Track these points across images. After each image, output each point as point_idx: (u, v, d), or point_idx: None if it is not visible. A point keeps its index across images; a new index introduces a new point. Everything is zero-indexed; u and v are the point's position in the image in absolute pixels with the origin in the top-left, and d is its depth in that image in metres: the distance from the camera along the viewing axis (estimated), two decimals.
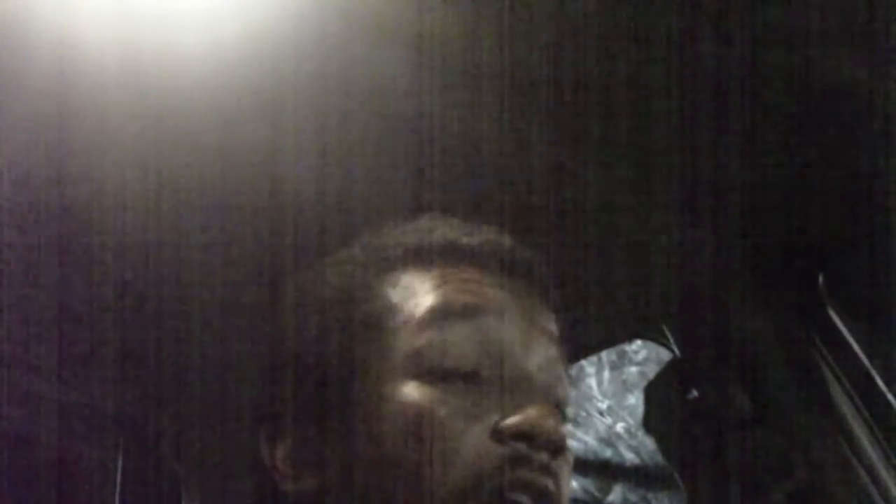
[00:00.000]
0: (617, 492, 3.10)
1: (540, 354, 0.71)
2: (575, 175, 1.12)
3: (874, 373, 1.13)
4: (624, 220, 1.19)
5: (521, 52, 0.97)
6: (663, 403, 1.27)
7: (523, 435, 0.66)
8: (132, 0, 0.97)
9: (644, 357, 3.08)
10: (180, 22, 0.97)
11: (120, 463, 1.48)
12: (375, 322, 0.71)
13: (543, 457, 0.66)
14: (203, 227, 1.19)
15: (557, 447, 0.67)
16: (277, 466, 0.71)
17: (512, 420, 0.66)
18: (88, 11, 0.96)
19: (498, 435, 0.66)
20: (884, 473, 1.10)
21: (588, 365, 3.17)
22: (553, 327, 0.74)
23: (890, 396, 1.12)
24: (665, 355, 1.38)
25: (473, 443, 0.66)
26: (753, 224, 1.16)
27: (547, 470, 0.66)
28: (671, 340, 1.32)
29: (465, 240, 0.73)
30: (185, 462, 1.47)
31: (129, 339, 1.32)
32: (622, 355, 3.14)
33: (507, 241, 0.75)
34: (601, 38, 0.95)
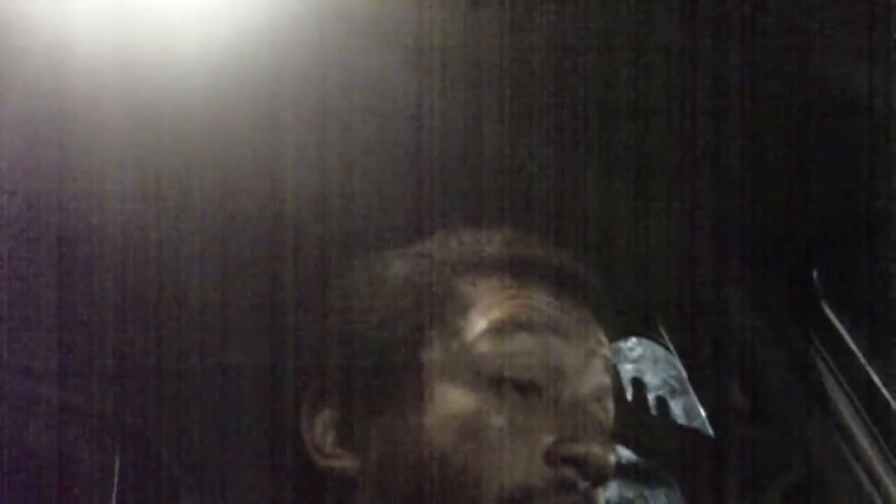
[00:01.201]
0: (613, 489, 3.10)
1: (595, 382, 0.72)
2: (574, 174, 1.13)
3: (870, 368, 1.13)
4: (621, 216, 1.20)
5: (521, 52, 0.97)
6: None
7: (577, 461, 0.66)
8: (129, 0, 0.97)
9: (639, 355, 3.08)
10: (178, 22, 0.97)
11: (117, 464, 1.48)
12: (443, 319, 0.71)
13: (587, 484, 0.67)
14: (201, 228, 1.19)
15: (605, 477, 0.68)
16: (317, 443, 0.72)
17: (570, 447, 0.67)
18: (85, 11, 0.96)
19: (551, 457, 0.67)
20: (881, 469, 1.10)
21: None
22: (608, 354, 0.75)
23: (886, 392, 1.12)
24: (661, 353, 1.38)
25: (524, 458, 0.66)
26: (749, 221, 1.17)
27: (589, 498, 0.67)
28: (666, 338, 1.32)
29: (542, 259, 0.74)
30: (185, 465, 1.47)
31: (128, 340, 1.32)
32: (617, 353, 3.13)
33: (581, 267, 0.76)
34: (601, 38, 0.96)
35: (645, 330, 1.37)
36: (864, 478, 1.10)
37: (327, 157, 1.09)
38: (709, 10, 0.91)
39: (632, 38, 0.96)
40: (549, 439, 0.67)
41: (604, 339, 0.75)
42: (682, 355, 1.31)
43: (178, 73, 1.00)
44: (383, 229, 1.11)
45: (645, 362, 3.11)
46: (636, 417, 1.27)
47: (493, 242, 0.75)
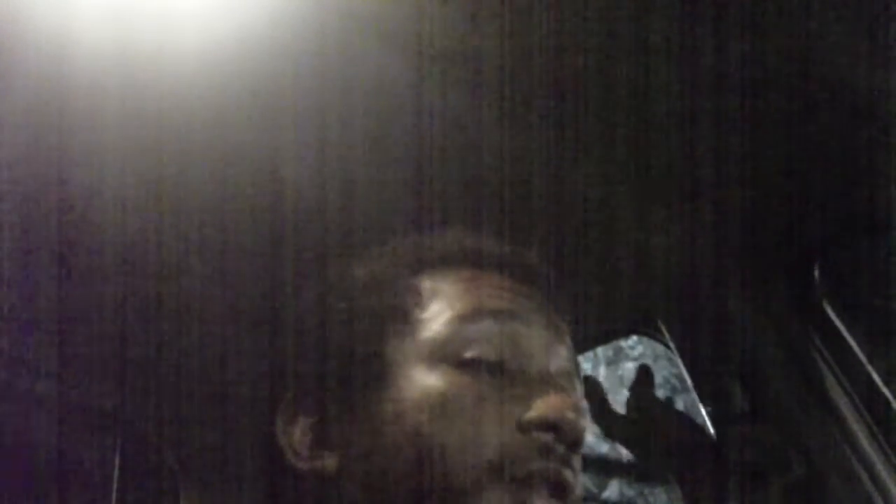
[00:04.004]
0: (613, 487, 3.11)
1: (559, 358, 0.74)
2: (574, 172, 1.13)
3: (871, 367, 1.13)
4: (621, 215, 1.20)
5: (521, 52, 0.97)
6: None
7: (549, 425, 0.68)
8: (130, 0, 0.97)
9: (640, 353, 3.09)
10: (178, 22, 0.97)
11: (117, 463, 1.48)
12: (404, 313, 0.73)
13: (563, 448, 0.68)
14: (202, 226, 1.19)
15: (578, 439, 0.69)
16: (294, 446, 0.73)
17: (539, 410, 0.68)
18: (85, 11, 0.95)
19: (524, 424, 0.68)
20: (881, 468, 1.10)
21: (584, 361, 3.17)
22: (569, 341, 0.76)
23: (887, 391, 1.12)
24: (661, 351, 1.38)
25: (498, 429, 0.68)
26: (750, 220, 1.17)
27: (567, 461, 0.68)
28: (667, 336, 1.32)
29: (494, 249, 0.77)
30: (185, 462, 1.47)
31: (128, 338, 1.32)
32: (618, 351, 3.14)
33: (531, 255, 0.78)
34: (601, 38, 0.95)
35: (645, 328, 1.37)
36: (864, 477, 1.10)
37: (327, 156, 1.09)
38: (709, 9, 0.91)
39: (632, 37, 0.95)
40: (521, 409, 0.69)
41: (564, 327, 0.77)
42: (681, 355, 1.31)
43: (179, 72, 1.00)
44: (383, 229, 1.10)
45: (646, 360, 3.11)
46: (639, 406, 1.26)
47: (445, 239, 0.78)
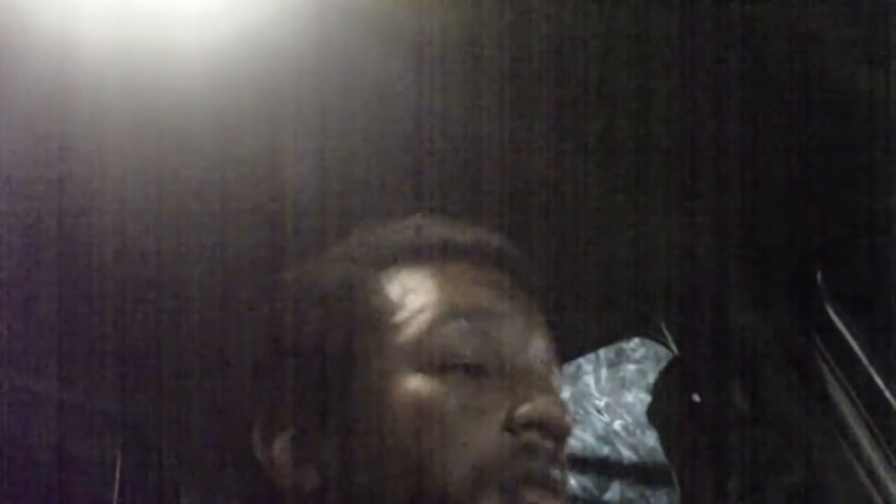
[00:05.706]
0: (615, 489, 3.09)
1: (538, 350, 0.72)
2: (574, 174, 1.13)
3: (872, 370, 1.13)
4: (623, 217, 1.20)
5: (521, 51, 0.97)
6: (665, 401, 1.27)
7: (536, 423, 0.67)
8: (132, 0, 0.97)
9: (642, 355, 3.07)
10: (180, 22, 0.97)
11: (119, 463, 1.48)
12: (374, 318, 0.71)
13: (551, 445, 0.67)
14: (202, 226, 1.19)
15: (564, 434, 0.68)
16: (275, 462, 0.71)
17: (526, 409, 0.67)
18: (87, 11, 0.96)
19: (511, 424, 0.67)
20: (882, 471, 1.10)
21: (586, 362, 3.16)
22: (544, 324, 0.75)
23: (888, 394, 1.12)
24: (663, 353, 1.38)
25: (483, 433, 0.66)
26: (751, 222, 1.17)
27: (555, 459, 0.67)
28: (669, 338, 1.32)
29: (458, 238, 0.74)
30: (185, 462, 1.47)
31: (129, 339, 1.32)
32: (620, 353, 3.12)
33: (497, 238, 0.76)
34: (601, 37, 0.95)
35: (647, 330, 1.37)
36: (865, 479, 1.10)
37: (327, 155, 1.09)
38: (709, 9, 0.91)
39: (632, 37, 0.96)
40: (505, 410, 0.67)
41: (536, 305, 0.75)
42: (683, 356, 1.31)
43: (180, 72, 1.00)
44: None
45: (648, 363, 3.10)
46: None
47: (408, 230, 0.75)
